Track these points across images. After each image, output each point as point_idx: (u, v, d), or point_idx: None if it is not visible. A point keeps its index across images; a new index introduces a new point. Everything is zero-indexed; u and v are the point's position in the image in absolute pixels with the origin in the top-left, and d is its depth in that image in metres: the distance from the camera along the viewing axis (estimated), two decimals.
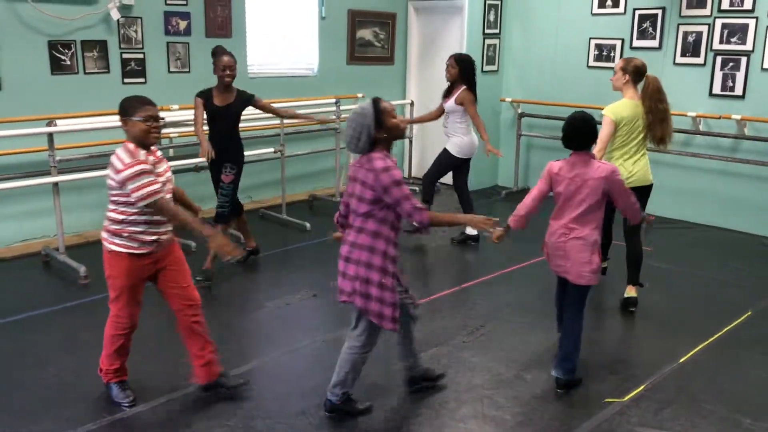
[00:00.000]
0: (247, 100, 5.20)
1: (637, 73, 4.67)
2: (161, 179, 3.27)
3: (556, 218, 3.72)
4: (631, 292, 4.83)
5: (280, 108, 5.76)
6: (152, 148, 3.34)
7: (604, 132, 4.56)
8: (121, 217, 3.24)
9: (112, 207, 3.27)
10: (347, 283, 3.24)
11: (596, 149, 4.42)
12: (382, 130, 3.16)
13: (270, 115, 6.78)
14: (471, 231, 6.26)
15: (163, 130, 5.87)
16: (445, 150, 6.13)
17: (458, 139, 6.03)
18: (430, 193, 6.29)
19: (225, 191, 5.18)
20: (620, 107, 4.65)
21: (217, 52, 5.09)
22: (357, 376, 3.41)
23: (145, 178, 3.15)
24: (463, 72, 5.95)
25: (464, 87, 5.91)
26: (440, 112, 6.24)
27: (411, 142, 8.66)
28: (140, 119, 3.21)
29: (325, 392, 3.46)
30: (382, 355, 4.03)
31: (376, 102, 3.18)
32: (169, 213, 3.25)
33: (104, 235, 3.32)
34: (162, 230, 3.34)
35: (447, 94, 6.08)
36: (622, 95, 4.73)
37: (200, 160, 5.68)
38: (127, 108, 3.25)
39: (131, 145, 3.23)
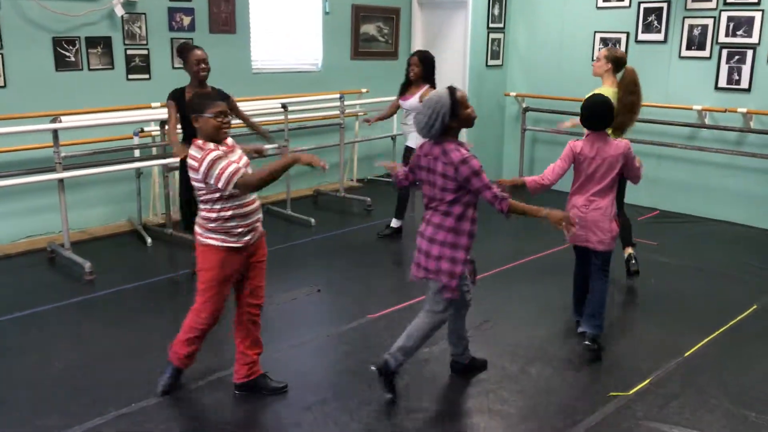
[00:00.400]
0: (224, 99, 4.80)
1: (618, 63, 5.02)
2: (240, 163, 3.27)
3: (577, 193, 4.03)
4: (629, 250, 5.33)
5: (245, 115, 5.46)
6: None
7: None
8: (214, 215, 3.26)
9: (204, 207, 3.29)
10: (432, 262, 3.40)
11: (567, 123, 5.38)
12: (455, 119, 3.29)
13: (275, 109, 6.82)
14: (396, 224, 6.24)
15: (166, 126, 5.87)
16: (407, 147, 6.09)
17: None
18: (405, 194, 6.26)
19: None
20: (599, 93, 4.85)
21: (186, 48, 4.87)
22: (420, 347, 3.57)
23: (221, 163, 3.14)
24: (426, 70, 5.85)
25: (428, 86, 5.82)
26: (395, 109, 6.26)
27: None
28: (211, 116, 3.22)
29: (327, 387, 3.46)
30: (387, 350, 4.03)
31: (452, 91, 3.30)
32: (255, 181, 3.18)
33: (198, 230, 3.35)
34: (253, 219, 3.36)
35: (404, 91, 5.98)
36: (602, 82, 5.09)
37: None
38: (199, 105, 3.25)
39: (200, 142, 3.26)
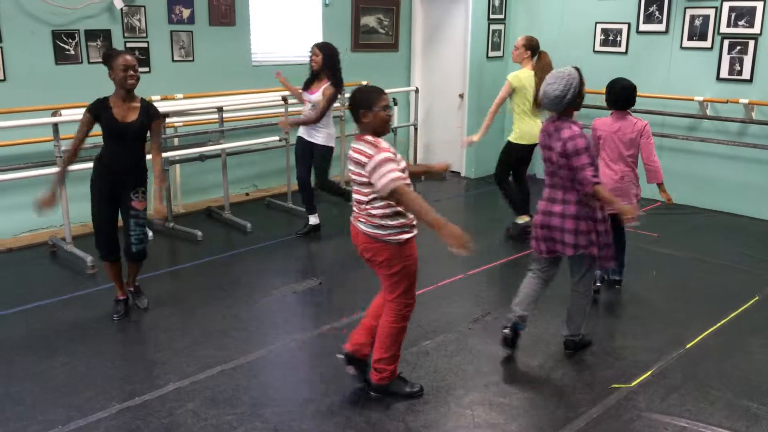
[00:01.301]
0: (153, 115, 4.20)
1: (534, 49, 5.77)
2: (401, 165, 3.18)
3: (610, 166, 4.50)
4: (524, 218, 6.01)
5: (155, 143, 4.34)
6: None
7: (500, 93, 5.84)
8: (390, 210, 3.18)
9: (374, 205, 3.19)
10: (569, 236, 3.67)
11: (492, 106, 5.89)
12: (579, 96, 3.63)
13: (275, 102, 6.79)
14: (314, 221, 6.09)
15: (168, 120, 5.85)
16: (317, 146, 5.80)
17: (329, 129, 5.82)
18: (336, 191, 6.19)
19: (141, 220, 4.30)
20: (521, 76, 5.73)
21: (113, 54, 4.11)
22: (586, 317, 3.93)
23: (390, 165, 3.07)
24: (328, 62, 5.59)
25: (329, 83, 5.59)
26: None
27: (416, 128, 8.62)
28: (380, 109, 3.17)
29: (329, 379, 3.46)
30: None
31: (579, 70, 3.65)
32: (409, 201, 3.07)
33: (380, 232, 3.20)
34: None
35: (310, 84, 5.77)
36: (521, 67, 5.82)
37: (205, 149, 5.68)
38: (367, 100, 3.17)
39: (369, 137, 3.16)
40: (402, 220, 3.20)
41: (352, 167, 3.20)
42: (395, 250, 3.22)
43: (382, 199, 3.14)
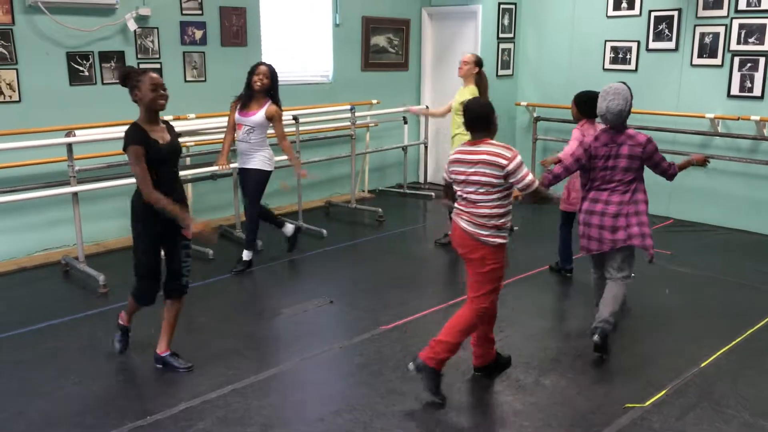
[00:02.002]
0: (178, 135, 3.98)
1: (480, 66, 5.97)
2: None
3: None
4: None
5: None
6: None
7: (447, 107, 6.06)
8: (502, 210, 3.55)
9: (493, 204, 3.53)
10: (620, 232, 4.06)
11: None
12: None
13: (287, 122, 6.82)
14: (248, 257, 5.60)
15: (180, 140, 5.90)
16: (254, 171, 5.40)
17: (267, 152, 5.43)
18: (270, 218, 5.82)
19: (190, 249, 3.98)
20: (466, 93, 5.75)
21: (135, 72, 3.75)
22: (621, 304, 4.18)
23: (525, 167, 3.54)
24: (273, 84, 5.34)
25: (270, 102, 5.32)
26: (233, 134, 5.45)
27: (426, 147, 8.65)
28: (497, 116, 3.68)
29: (340, 398, 3.45)
30: (401, 361, 4.02)
31: (627, 84, 4.08)
32: (542, 190, 3.74)
33: (484, 232, 3.53)
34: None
35: (247, 105, 5.35)
36: (464, 83, 5.96)
37: (216, 169, 5.70)
38: (492, 110, 3.67)
39: (497, 142, 3.60)
40: (503, 220, 3.56)
41: (481, 168, 3.50)
42: (489, 252, 3.55)
43: (505, 198, 3.56)
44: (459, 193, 3.63)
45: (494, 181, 3.48)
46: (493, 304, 3.70)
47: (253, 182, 5.46)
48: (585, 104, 4.89)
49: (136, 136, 3.63)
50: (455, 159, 3.63)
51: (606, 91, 4.05)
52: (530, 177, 3.52)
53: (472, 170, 3.51)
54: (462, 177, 3.57)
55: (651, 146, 4.07)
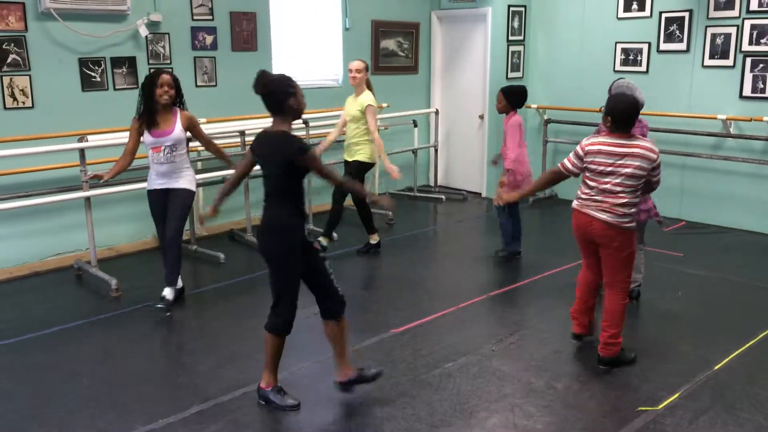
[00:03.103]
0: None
1: (368, 70, 6.06)
2: None
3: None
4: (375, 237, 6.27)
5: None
6: None
7: (373, 119, 5.93)
8: (637, 200, 3.83)
9: (634, 194, 3.78)
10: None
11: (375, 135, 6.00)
12: None
13: (297, 125, 6.84)
14: (171, 294, 4.90)
15: (191, 144, 5.92)
16: (182, 190, 4.79)
17: (191, 171, 4.92)
18: (175, 256, 4.90)
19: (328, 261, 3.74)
20: (366, 99, 5.92)
21: (287, 79, 3.51)
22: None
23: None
24: (179, 93, 4.78)
25: (182, 112, 4.79)
26: (132, 157, 4.87)
27: (436, 150, 8.65)
28: None
29: (351, 402, 3.44)
30: (410, 365, 4.02)
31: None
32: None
33: (624, 220, 3.81)
34: None
35: (153, 123, 4.68)
36: (356, 92, 6.02)
37: (227, 173, 5.71)
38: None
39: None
40: (635, 209, 3.84)
41: (629, 161, 3.72)
42: (627, 236, 3.83)
43: (640, 191, 3.81)
44: (591, 183, 3.85)
45: (641, 173, 3.74)
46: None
47: (182, 204, 4.79)
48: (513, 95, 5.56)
49: (303, 142, 3.49)
50: (597, 150, 3.80)
51: (628, 86, 4.40)
52: (660, 175, 3.85)
53: (620, 162, 3.74)
54: (607, 168, 3.77)
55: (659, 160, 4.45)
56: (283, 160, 3.37)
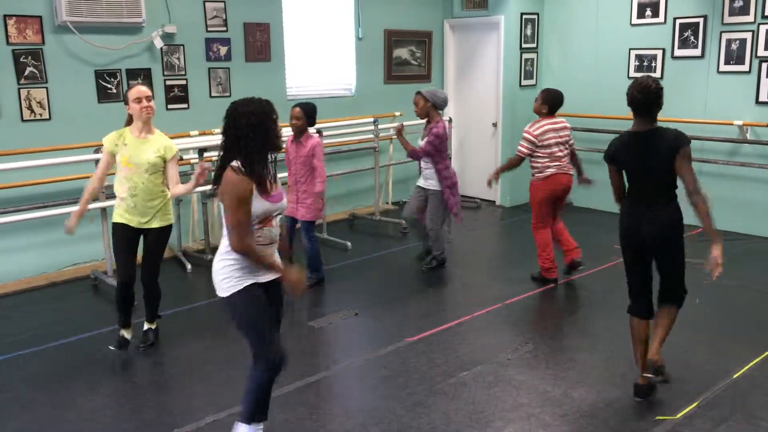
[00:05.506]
0: None
1: None
2: None
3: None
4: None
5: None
6: None
7: None
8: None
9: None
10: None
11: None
12: None
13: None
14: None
15: (206, 154, 5.94)
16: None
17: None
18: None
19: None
20: (162, 140, 4.90)
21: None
22: None
23: None
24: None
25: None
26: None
27: (450, 160, 8.63)
28: None
29: (366, 411, 3.43)
30: (426, 374, 4.00)
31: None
32: None
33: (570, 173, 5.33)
34: None
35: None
36: (143, 129, 4.83)
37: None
38: None
39: None
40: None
41: (565, 132, 5.23)
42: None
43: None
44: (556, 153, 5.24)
45: (568, 138, 5.27)
46: None
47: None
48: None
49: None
50: (545, 130, 5.22)
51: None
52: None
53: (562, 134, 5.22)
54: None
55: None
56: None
